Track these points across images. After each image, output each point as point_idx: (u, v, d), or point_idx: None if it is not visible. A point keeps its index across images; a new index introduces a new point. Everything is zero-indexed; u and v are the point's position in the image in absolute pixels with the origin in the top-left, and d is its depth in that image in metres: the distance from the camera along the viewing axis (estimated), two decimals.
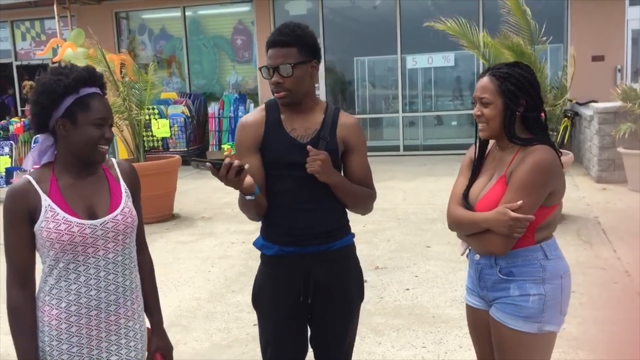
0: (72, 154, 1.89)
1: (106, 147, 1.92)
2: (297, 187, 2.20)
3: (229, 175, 1.99)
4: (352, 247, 2.39)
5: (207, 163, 1.98)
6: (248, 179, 2.06)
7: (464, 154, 2.37)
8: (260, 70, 2.22)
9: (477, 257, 2.23)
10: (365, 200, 2.34)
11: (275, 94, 2.20)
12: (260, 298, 2.36)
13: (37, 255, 1.91)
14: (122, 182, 2.00)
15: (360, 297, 2.41)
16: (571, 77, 7.01)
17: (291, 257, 2.25)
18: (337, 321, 2.33)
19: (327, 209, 2.25)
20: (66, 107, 1.83)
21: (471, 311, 2.35)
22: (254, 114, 2.31)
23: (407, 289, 4.71)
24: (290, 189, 2.22)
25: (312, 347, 2.41)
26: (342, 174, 2.32)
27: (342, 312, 2.33)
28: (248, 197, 2.11)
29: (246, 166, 2.02)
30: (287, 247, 2.25)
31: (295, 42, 2.18)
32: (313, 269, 2.25)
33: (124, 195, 1.97)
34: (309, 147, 2.17)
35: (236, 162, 1.99)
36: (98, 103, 1.88)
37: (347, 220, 2.37)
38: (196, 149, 12.47)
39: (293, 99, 2.20)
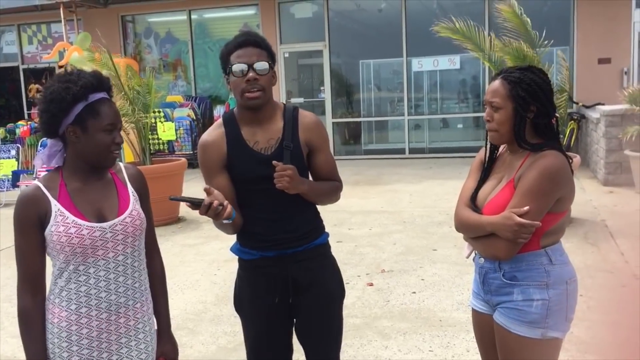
0: (82, 159, 1.90)
1: (117, 152, 1.94)
2: (268, 199, 2.20)
3: (209, 214, 2.02)
4: (327, 246, 2.42)
5: (187, 203, 2.02)
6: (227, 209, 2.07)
7: (470, 156, 2.37)
8: (231, 68, 2.15)
9: (482, 260, 2.22)
10: (332, 194, 2.39)
11: (248, 94, 2.15)
12: (242, 302, 2.39)
13: (48, 259, 1.92)
14: (129, 186, 2.01)
15: (341, 293, 2.43)
16: (567, 79, 7.01)
17: (268, 260, 2.28)
18: (319, 317, 2.35)
19: (299, 214, 2.28)
20: (76, 115, 1.84)
21: (476, 315, 2.34)
22: (212, 132, 2.29)
23: (414, 292, 4.70)
24: (260, 201, 2.23)
25: (302, 346, 2.43)
26: (309, 170, 2.34)
27: (323, 308, 2.35)
28: (225, 222, 2.11)
29: (225, 203, 2.04)
30: (264, 251, 2.28)
31: (265, 46, 2.21)
32: (291, 269, 2.28)
33: (131, 198, 1.99)
34: (274, 162, 2.17)
35: (216, 203, 2.01)
36: (107, 109, 1.89)
37: (321, 221, 2.40)
38: None
39: (264, 100, 2.19)
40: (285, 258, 2.27)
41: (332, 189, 2.37)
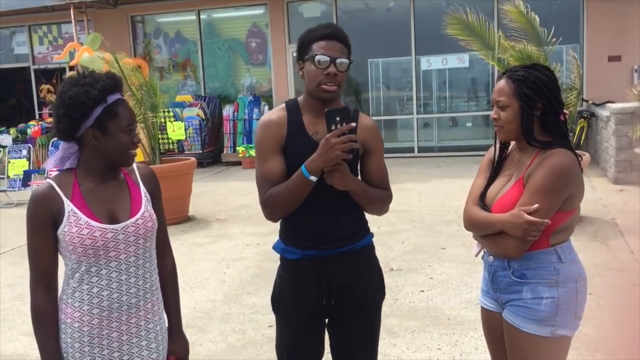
0: (101, 160, 1.91)
1: (135, 151, 1.96)
2: (315, 194, 2.16)
3: (343, 140, 2.02)
4: (371, 248, 2.39)
5: (339, 113, 2.03)
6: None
7: (479, 155, 2.38)
8: (313, 57, 2.15)
9: (491, 258, 2.22)
10: (381, 203, 2.33)
11: (325, 86, 2.15)
12: (281, 301, 2.35)
13: (60, 257, 1.94)
14: (141, 186, 2.02)
15: (382, 295, 2.41)
16: (578, 77, 6.97)
17: (313, 260, 2.25)
18: (359, 320, 2.33)
19: (347, 212, 2.24)
20: (96, 117, 1.85)
21: (485, 313, 2.34)
22: (275, 113, 2.26)
23: (422, 291, 4.70)
24: (308, 195, 2.18)
25: (333, 352, 2.39)
26: (360, 174, 2.31)
27: (364, 311, 2.33)
28: (312, 178, 2.09)
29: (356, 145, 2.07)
30: (309, 250, 2.24)
31: (348, 44, 2.22)
32: (335, 270, 2.25)
33: (143, 199, 1.99)
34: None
35: (355, 137, 2.05)
36: (125, 109, 1.90)
37: (366, 222, 2.36)
38: (211, 151, 12.54)
39: (337, 95, 2.20)
40: (329, 259, 2.24)
41: (381, 197, 2.31)
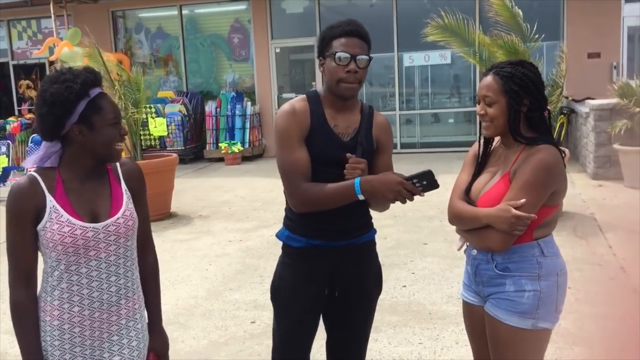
0: (89, 156, 1.88)
1: (121, 145, 1.94)
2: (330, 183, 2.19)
3: (407, 194, 2.06)
4: (374, 243, 2.43)
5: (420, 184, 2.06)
6: None
7: (461, 151, 2.40)
8: (334, 54, 2.18)
9: (474, 252, 2.24)
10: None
11: (346, 84, 2.18)
12: (281, 289, 2.36)
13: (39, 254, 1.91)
14: (123, 184, 1.98)
15: (379, 290, 2.45)
16: (563, 74, 7.03)
17: (318, 249, 2.27)
18: (357, 314, 2.37)
19: (354, 205, 2.24)
20: (80, 112, 1.82)
21: (467, 307, 2.36)
22: (297, 103, 2.27)
23: (404, 286, 4.73)
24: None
25: (328, 343, 2.43)
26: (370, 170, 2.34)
27: (362, 305, 2.37)
28: (361, 197, 2.12)
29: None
30: (315, 240, 2.27)
31: (368, 40, 2.24)
32: (339, 262, 2.29)
33: (125, 197, 1.96)
34: (348, 155, 2.20)
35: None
36: (108, 103, 1.87)
37: (371, 217, 2.40)
38: (193, 147, 12.48)
39: (357, 92, 2.24)
40: (333, 250, 2.27)
41: None
